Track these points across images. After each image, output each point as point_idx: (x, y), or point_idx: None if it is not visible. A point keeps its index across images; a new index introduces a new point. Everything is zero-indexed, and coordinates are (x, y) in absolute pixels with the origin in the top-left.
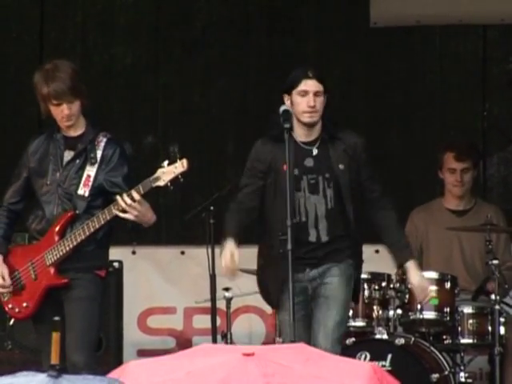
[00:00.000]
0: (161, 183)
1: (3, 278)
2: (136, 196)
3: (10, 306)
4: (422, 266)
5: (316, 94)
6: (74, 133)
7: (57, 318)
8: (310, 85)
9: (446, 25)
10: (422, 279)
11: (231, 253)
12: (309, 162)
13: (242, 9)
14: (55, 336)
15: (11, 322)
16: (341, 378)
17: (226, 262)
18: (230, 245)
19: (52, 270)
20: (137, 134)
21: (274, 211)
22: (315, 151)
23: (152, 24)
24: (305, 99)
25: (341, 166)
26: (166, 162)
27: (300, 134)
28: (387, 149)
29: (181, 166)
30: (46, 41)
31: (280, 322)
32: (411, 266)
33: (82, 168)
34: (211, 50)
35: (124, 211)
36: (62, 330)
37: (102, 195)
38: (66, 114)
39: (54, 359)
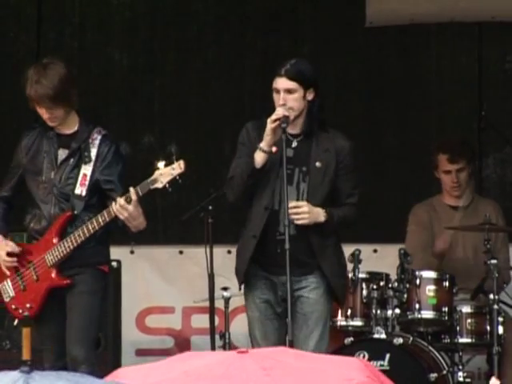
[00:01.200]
0: (159, 185)
1: (8, 245)
2: (133, 197)
3: (13, 306)
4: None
5: (288, 91)
6: (68, 130)
7: (26, 314)
8: (279, 82)
9: (439, 23)
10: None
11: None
12: (288, 153)
13: (239, 10)
14: (26, 331)
15: (15, 322)
16: (338, 370)
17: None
18: None
19: (54, 272)
20: (134, 134)
21: (255, 192)
22: (295, 143)
23: (149, 24)
24: (277, 97)
25: (317, 164)
26: (162, 164)
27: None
28: (383, 148)
29: (178, 167)
30: (44, 41)
31: (248, 319)
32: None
33: (77, 167)
34: (208, 51)
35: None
36: (32, 326)
37: (98, 193)
38: (46, 118)
39: (26, 355)
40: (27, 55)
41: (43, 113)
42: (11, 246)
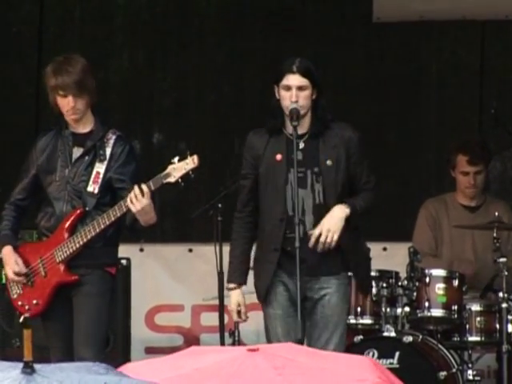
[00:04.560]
0: (172, 180)
1: (17, 264)
2: (145, 189)
3: (19, 303)
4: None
5: (300, 88)
6: (83, 129)
7: (26, 315)
8: (292, 79)
9: (449, 20)
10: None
11: (238, 306)
12: (298, 155)
13: (241, 4)
14: (26, 333)
15: (21, 319)
16: (349, 370)
17: (235, 317)
18: (235, 296)
19: (62, 267)
20: (141, 132)
21: (265, 202)
22: (302, 145)
23: (151, 20)
24: (288, 94)
25: (328, 162)
26: (176, 159)
27: (289, 127)
28: (389, 146)
29: (192, 162)
30: (45, 35)
31: (265, 316)
32: (334, 208)
33: (91, 165)
34: (211, 45)
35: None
36: (32, 327)
37: (110, 192)
38: (71, 107)
39: (27, 355)
40: (29, 49)
41: (69, 101)
42: (19, 266)
